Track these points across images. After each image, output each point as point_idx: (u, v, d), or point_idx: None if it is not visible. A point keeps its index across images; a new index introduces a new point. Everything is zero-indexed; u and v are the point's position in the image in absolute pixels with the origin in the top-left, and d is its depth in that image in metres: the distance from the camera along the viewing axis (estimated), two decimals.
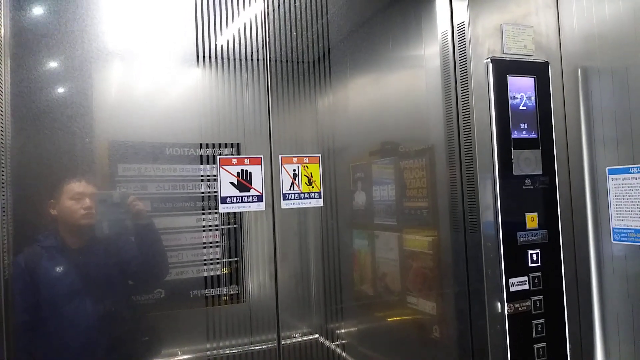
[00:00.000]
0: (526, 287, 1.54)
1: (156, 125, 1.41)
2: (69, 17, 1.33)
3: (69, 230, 1.33)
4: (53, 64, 1.32)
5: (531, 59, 1.63)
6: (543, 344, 1.55)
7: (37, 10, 1.31)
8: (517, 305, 1.52)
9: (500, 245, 1.52)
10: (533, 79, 1.61)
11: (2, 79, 1.23)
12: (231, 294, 1.48)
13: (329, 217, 1.61)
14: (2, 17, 1.24)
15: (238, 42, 1.51)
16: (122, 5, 1.40)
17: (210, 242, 1.46)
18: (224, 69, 1.49)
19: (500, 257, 1.52)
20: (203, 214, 1.44)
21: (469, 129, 1.57)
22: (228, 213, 1.46)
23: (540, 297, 1.55)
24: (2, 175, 1.20)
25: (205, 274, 1.45)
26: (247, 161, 1.48)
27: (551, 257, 1.59)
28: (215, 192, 1.44)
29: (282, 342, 1.52)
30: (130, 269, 1.39)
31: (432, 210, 1.68)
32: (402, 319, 1.76)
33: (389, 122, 1.75)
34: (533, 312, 1.54)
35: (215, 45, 1.48)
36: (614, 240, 1.56)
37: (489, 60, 1.56)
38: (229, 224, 1.47)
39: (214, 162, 1.45)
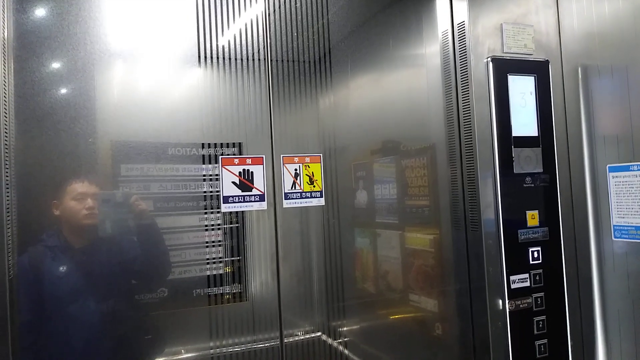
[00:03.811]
0: (527, 284, 1.55)
1: (158, 125, 1.42)
2: (72, 19, 1.34)
3: (72, 230, 1.34)
4: (56, 66, 1.33)
5: (531, 58, 1.63)
6: (544, 341, 1.55)
7: (40, 13, 1.32)
8: (519, 302, 1.53)
9: (501, 242, 1.53)
10: (533, 77, 1.61)
11: (6, 81, 1.24)
12: (234, 293, 1.48)
13: (331, 216, 1.61)
14: (6, 20, 1.25)
15: (239, 42, 1.51)
16: (124, 7, 1.40)
17: (213, 242, 1.47)
18: (226, 69, 1.50)
19: (501, 255, 1.53)
20: (205, 213, 1.45)
21: (469, 128, 1.58)
22: (230, 212, 1.47)
23: (542, 294, 1.56)
24: (7, 176, 1.21)
25: (208, 272, 1.46)
26: (249, 161, 1.48)
27: (552, 255, 1.59)
28: (217, 191, 1.45)
29: (285, 340, 1.53)
30: (133, 268, 1.40)
31: (433, 209, 1.69)
32: (404, 317, 1.77)
33: (390, 121, 1.76)
34: (534, 308, 1.55)
35: (217, 45, 1.49)
36: (615, 237, 1.57)
37: (489, 59, 1.57)
38: (231, 223, 1.48)
39: (216, 162, 1.46)
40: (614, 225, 1.57)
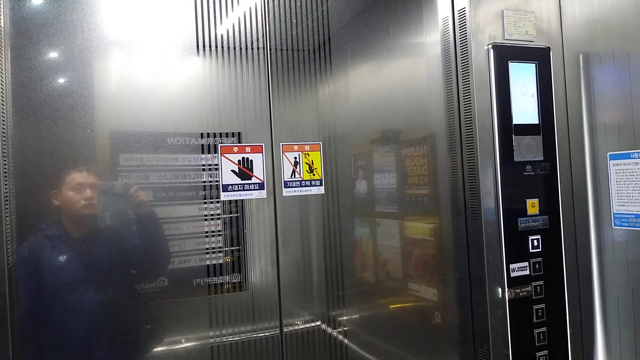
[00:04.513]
0: (527, 272, 1.55)
1: (157, 114, 1.41)
2: (68, 6, 1.32)
3: (71, 220, 1.33)
4: (53, 54, 1.32)
5: (532, 45, 1.62)
6: (543, 329, 1.56)
7: (37, 0, 1.31)
8: (518, 291, 1.53)
9: (501, 231, 1.53)
10: (534, 64, 1.60)
11: (3, 68, 1.23)
12: (233, 282, 1.49)
13: (330, 204, 1.61)
14: (2, 7, 1.24)
15: (238, 30, 1.50)
16: None
17: (213, 231, 1.46)
18: (224, 58, 1.49)
19: (501, 243, 1.53)
20: (205, 203, 1.45)
21: (470, 116, 1.57)
22: (230, 202, 1.47)
23: (541, 282, 1.56)
24: (5, 165, 1.20)
25: (208, 262, 1.46)
26: (248, 149, 1.48)
27: (552, 243, 1.59)
28: (216, 181, 1.45)
29: (285, 330, 1.53)
30: (133, 258, 1.40)
31: (433, 198, 1.69)
32: (404, 306, 1.77)
33: (390, 110, 1.75)
34: (534, 297, 1.55)
35: (215, 34, 1.48)
36: (615, 225, 1.57)
37: (490, 46, 1.56)
38: (230, 212, 1.48)
39: (215, 152, 1.45)
40: (614, 213, 1.57)
